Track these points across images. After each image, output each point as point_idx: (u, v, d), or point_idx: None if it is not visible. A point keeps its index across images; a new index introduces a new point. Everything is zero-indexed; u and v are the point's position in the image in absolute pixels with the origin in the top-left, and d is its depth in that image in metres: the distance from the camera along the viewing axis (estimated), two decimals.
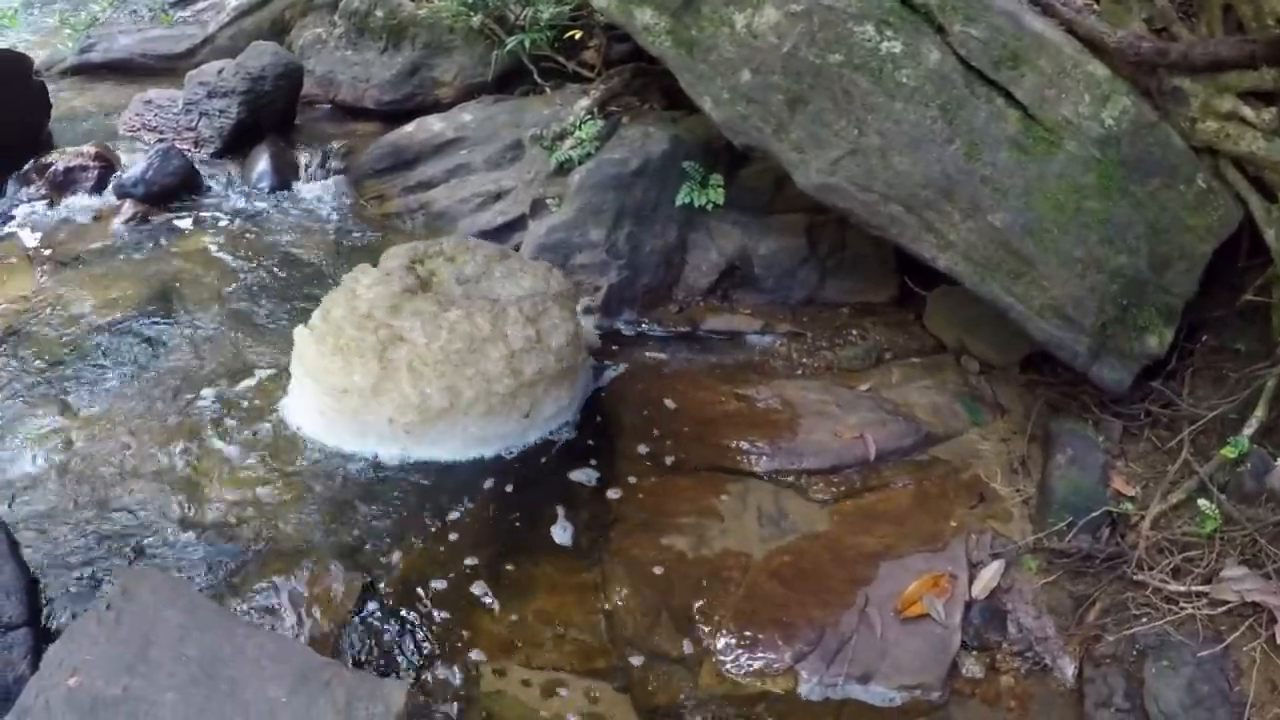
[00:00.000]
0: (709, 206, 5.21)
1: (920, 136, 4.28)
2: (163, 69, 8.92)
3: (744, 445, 4.39)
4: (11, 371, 4.81)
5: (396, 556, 3.80)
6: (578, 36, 6.26)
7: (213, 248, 5.91)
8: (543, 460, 4.33)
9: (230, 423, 4.45)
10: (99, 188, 6.51)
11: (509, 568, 3.81)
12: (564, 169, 5.57)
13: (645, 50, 5.07)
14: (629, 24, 4.98)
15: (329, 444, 4.28)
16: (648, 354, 5.08)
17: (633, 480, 4.23)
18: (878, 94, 4.33)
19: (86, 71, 8.96)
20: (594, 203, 5.30)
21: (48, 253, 5.94)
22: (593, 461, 4.33)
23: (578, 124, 5.62)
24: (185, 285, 5.53)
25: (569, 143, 5.58)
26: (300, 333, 4.39)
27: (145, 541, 3.81)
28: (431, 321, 4.19)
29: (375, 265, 4.65)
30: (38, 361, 4.90)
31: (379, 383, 4.13)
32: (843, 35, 4.38)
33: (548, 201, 5.52)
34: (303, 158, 6.83)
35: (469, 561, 3.81)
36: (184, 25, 9.42)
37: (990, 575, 3.82)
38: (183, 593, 3.12)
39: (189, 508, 3.98)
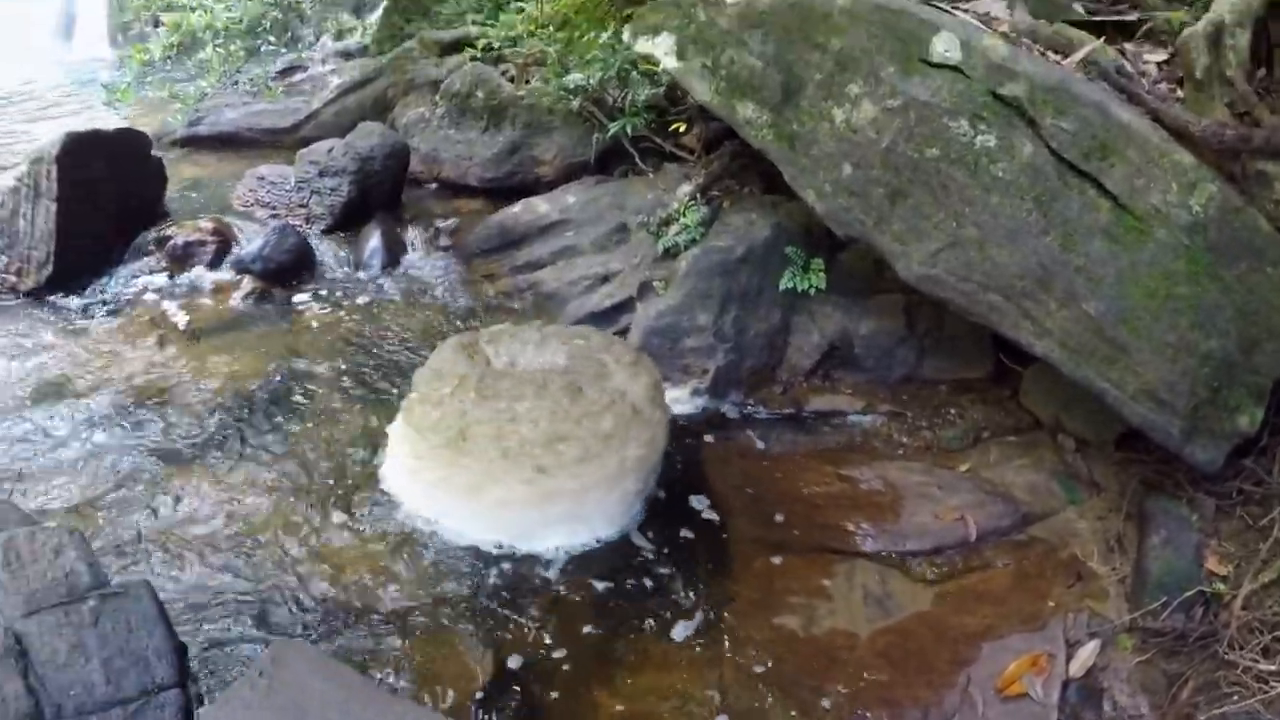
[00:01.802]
0: (811, 291, 5.48)
1: (1016, 228, 4.50)
2: (268, 142, 9.42)
3: (849, 526, 4.65)
4: (142, 439, 5.20)
5: (517, 634, 4.07)
6: (682, 129, 6.56)
7: (329, 323, 6.30)
8: (651, 541, 4.59)
9: (347, 496, 4.78)
10: (217, 262, 6.95)
11: (624, 645, 4.07)
12: (670, 254, 5.88)
13: (747, 141, 5.34)
14: (731, 117, 5.30)
15: (439, 524, 4.57)
16: (753, 435, 5.33)
17: (743, 560, 4.49)
18: (974, 187, 4.57)
19: (195, 143, 9.49)
20: (701, 288, 5.58)
21: (172, 324, 6.35)
22: (702, 542, 4.60)
23: (682, 210, 5.93)
24: (305, 360, 5.91)
25: (674, 228, 5.89)
26: (402, 413, 4.72)
27: (277, 609, 4.12)
28: (529, 409, 4.43)
29: (461, 346, 4.90)
30: (168, 430, 5.29)
31: (476, 466, 4.40)
32: (938, 130, 4.62)
33: (654, 285, 5.82)
34: (411, 235, 7.19)
35: (586, 639, 4.08)
36: (287, 99, 9.86)
37: (1087, 654, 4.01)
38: (331, 664, 3.43)
39: (317, 579, 4.29)
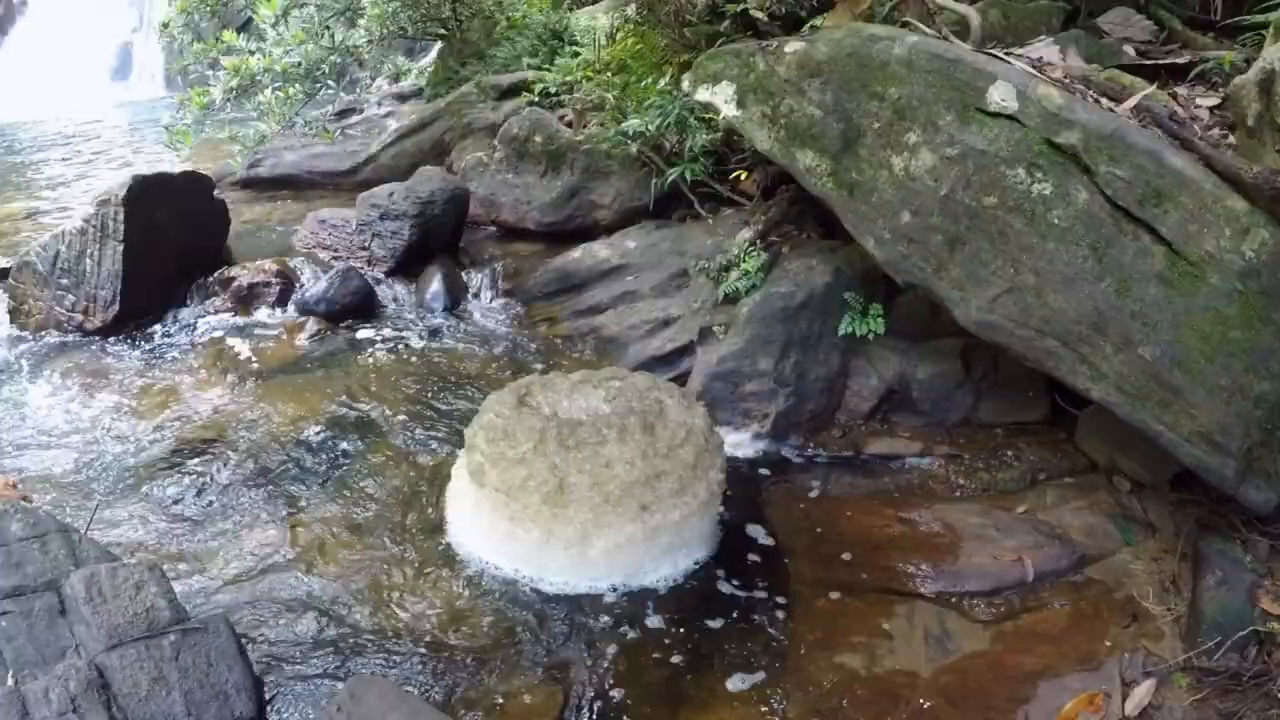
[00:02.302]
0: (870, 335, 5.60)
1: (1073, 274, 4.59)
2: (327, 184, 9.71)
3: (909, 568, 4.76)
4: (214, 477, 5.39)
5: (584, 673, 4.18)
6: (744, 178, 6.72)
7: (394, 364, 6.48)
8: (715, 582, 4.71)
9: (414, 535, 4.94)
10: (281, 303, 7.21)
11: (689, 684, 4.16)
12: (730, 299, 5.99)
13: (808, 189, 5.47)
14: (792, 165, 5.44)
15: (503, 566, 4.71)
16: (814, 478, 5.45)
17: (806, 600, 4.60)
18: (1031, 234, 4.67)
19: (255, 185, 9.79)
20: (762, 334, 5.72)
21: (238, 364, 6.57)
22: (764, 583, 4.71)
23: (742, 255, 6.04)
24: (371, 400, 6.08)
25: (735, 274, 6.01)
26: (470, 474, 4.81)
27: (351, 647, 4.25)
28: (619, 452, 4.55)
29: (513, 400, 5.00)
30: (234, 468, 5.46)
31: (580, 517, 4.49)
32: (996, 179, 4.73)
33: (714, 329, 5.95)
34: (472, 278, 7.39)
35: (651, 679, 4.18)
36: (344, 142, 10.10)
37: (1143, 693, 4.08)
38: (410, 700, 3.55)
39: (390, 615, 4.43)
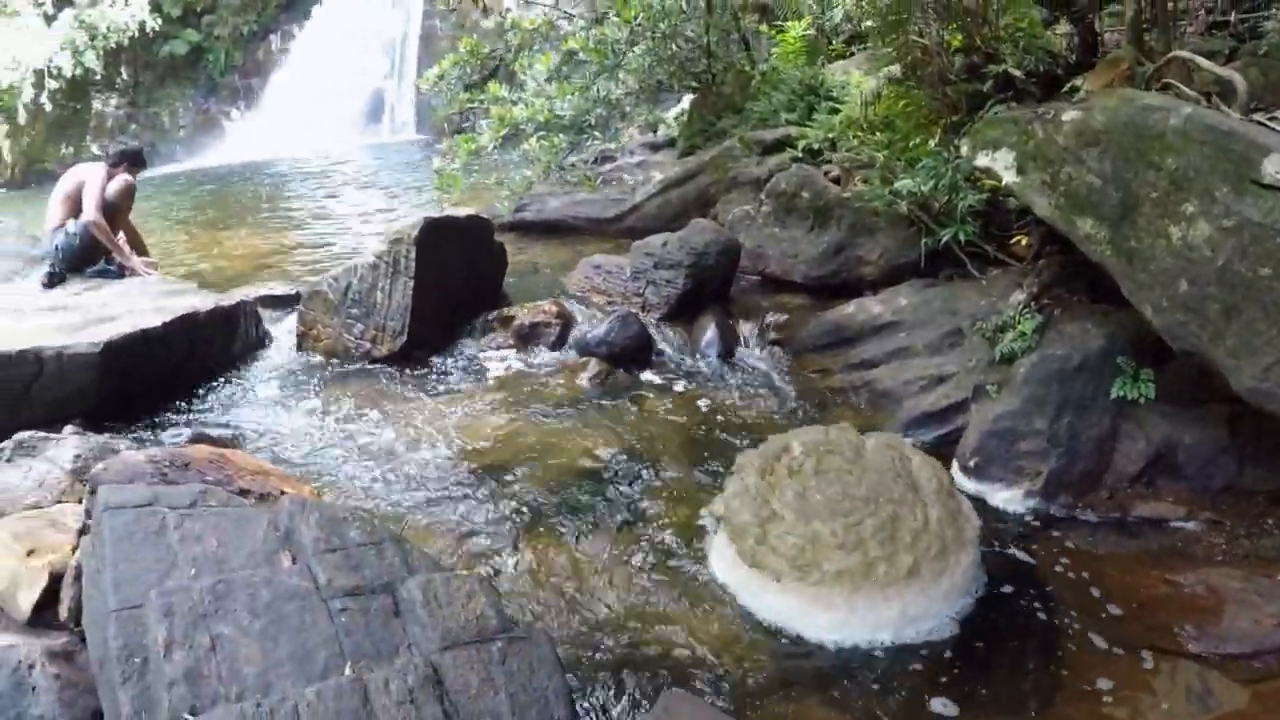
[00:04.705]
0: (1140, 399, 5.80)
1: None
2: (590, 230, 10.36)
3: (1173, 627, 4.95)
4: (502, 501, 5.87)
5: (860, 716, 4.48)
6: (1024, 243, 7.00)
7: (671, 408, 6.89)
8: (981, 635, 4.91)
9: (685, 574, 5.29)
10: (559, 343, 7.82)
11: None
12: (1006, 359, 6.26)
13: (1086, 255, 5.73)
14: (1071, 232, 5.73)
15: (765, 614, 4.96)
16: (1081, 537, 5.66)
17: (1070, 654, 4.80)
18: None
19: (520, 229, 10.54)
20: (1038, 394, 5.98)
21: (520, 398, 7.10)
22: (1031, 635, 4.95)
23: (1017, 317, 6.34)
24: (648, 441, 6.49)
25: (1010, 335, 6.29)
26: (749, 541, 5.06)
27: (638, 664, 4.61)
28: (901, 510, 4.92)
29: (778, 462, 5.35)
30: (525, 495, 5.94)
31: (882, 571, 4.78)
32: (1271, 250, 4.89)
33: (988, 388, 6.22)
34: (743, 327, 7.80)
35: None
36: (604, 188, 10.70)
37: None
38: (719, 717, 3.96)
39: (671, 644, 4.77)
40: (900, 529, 4.90)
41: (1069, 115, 5.84)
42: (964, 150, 6.39)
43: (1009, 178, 6.02)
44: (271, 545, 4.25)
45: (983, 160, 6.17)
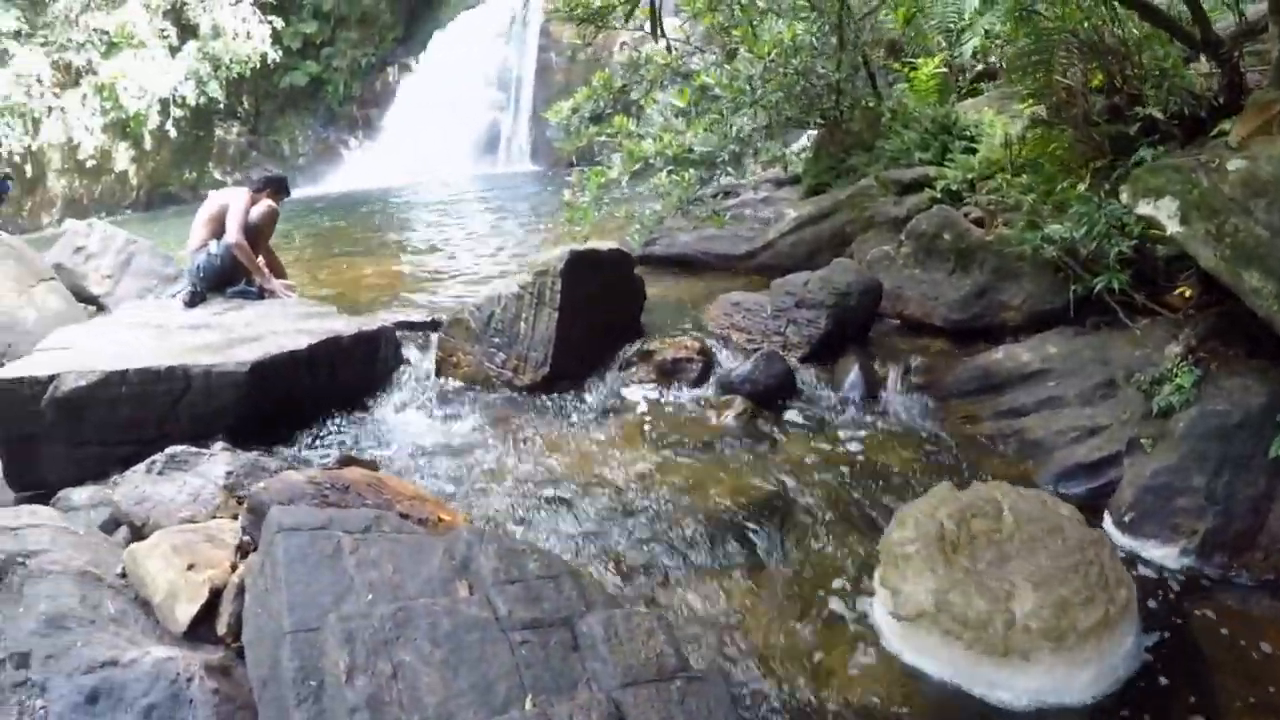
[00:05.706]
0: None
1: None
2: (720, 266, 10.48)
3: None
4: (649, 539, 5.89)
5: None
6: (1187, 294, 6.88)
7: (816, 450, 6.87)
8: (1137, 698, 4.84)
9: (839, 623, 5.27)
10: (701, 380, 7.85)
11: None
12: (1163, 413, 6.17)
13: (1252, 309, 5.65)
14: (1237, 285, 5.64)
15: (925, 667, 4.93)
16: (1237, 598, 5.57)
17: (1229, 717, 4.78)
18: None
19: (651, 263, 10.62)
20: (1197, 450, 5.87)
21: (664, 434, 7.15)
22: (1189, 699, 4.87)
23: (1175, 370, 6.24)
24: (799, 484, 6.45)
25: (1167, 388, 6.19)
26: (892, 557, 5.18)
27: (795, 710, 4.65)
28: (1076, 569, 4.91)
29: (936, 507, 5.35)
30: (672, 532, 5.93)
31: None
32: None
33: (1142, 442, 6.16)
34: (887, 370, 7.77)
35: None
36: (731, 224, 10.73)
37: None
38: None
39: (828, 692, 4.79)
40: (1070, 594, 4.84)
41: (1234, 164, 5.79)
42: (1124, 198, 6.31)
43: (1172, 227, 5.93)
44: (447, 574, 4.34)
45: (1144, 209, 6.09)
